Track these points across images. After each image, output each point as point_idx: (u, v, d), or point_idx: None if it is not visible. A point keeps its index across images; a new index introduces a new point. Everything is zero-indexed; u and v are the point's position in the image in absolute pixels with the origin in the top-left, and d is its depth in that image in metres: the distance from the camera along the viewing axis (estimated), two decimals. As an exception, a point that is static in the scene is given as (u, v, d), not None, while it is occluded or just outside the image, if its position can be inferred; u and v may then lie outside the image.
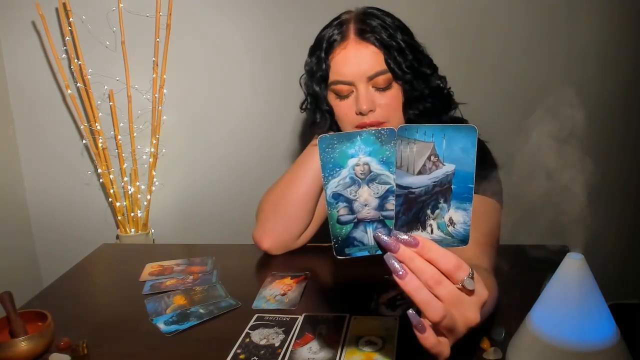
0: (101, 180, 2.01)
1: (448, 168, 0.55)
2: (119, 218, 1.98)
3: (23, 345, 0.79)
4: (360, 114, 1.01)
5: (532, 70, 1.92)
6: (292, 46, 1.95)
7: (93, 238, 1.73)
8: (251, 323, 0.88)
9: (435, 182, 0.56)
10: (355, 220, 0.57)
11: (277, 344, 0.82)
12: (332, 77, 1.03)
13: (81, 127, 1.95)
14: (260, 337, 0.84)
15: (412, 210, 0.57)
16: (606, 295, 0.66)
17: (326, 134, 0.55)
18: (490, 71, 1.88)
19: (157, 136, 1.93)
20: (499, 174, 1.04)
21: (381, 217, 0.57)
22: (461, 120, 1.10)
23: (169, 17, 1.84)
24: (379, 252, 0.57)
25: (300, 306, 0.94)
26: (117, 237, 2.02)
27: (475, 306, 0.57)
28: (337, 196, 0.56)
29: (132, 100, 1.90)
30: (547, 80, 1.92)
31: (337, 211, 0.57)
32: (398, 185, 0.56)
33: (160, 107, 1.91)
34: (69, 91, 1.89)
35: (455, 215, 0.57)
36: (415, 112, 1.04)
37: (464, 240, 0.58)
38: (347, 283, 1.08)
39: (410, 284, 0.54)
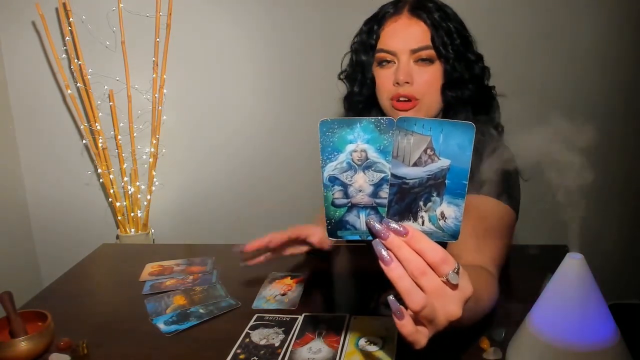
0: (101, 180, 2.01)
1: (443, 163, 0.56)
2: (119, 218, 1.98)
3: (23, 345, 0.79)
4: (397, 84, 1.04)
5: (532, 70, 1.92)
6: (293, 46, 1.95)
7: (93, 238, 1.73)
8: (251, 323, 0.88)
9: (429, 175, 0.57)
10: (349, 204, 0.59)
11: (277, 344, 0.82)
12: (379, 45, 1.07)
13: (81, 127, 1.95)
14: (260, 337, 0.84)
15: (405, 200, 0.58)
16: (606, 295, 0.66)
17: (327, 118, 0.56)
18: (492, 71, 1.88)
19: (157, 136, 1.93)
20: (520, 182, 1.04)
21: (374, 204, 0.58)
22: (496, 126, 1.10)
23: (169, 17, 1.84)
24: (370, 237, 0.58)
25: (300, 306, 0.94)
26: (117, 237, 2.02)
27: (458, 300, 0.57)
28: (333, 179, 0.58)
29: (132, 100, 1.90)
30: (547, 80, 1.92)
31: (332, 194, 0.58)
32: (393, 175, 0.57)
33: (160, 107, 1.91)
34: (69, 91, 1.89)
35: (447, 210, 0.57)
36: (454, 94, 1.05)
37: (454, 235, 0.58)
38: (347, 283, 1.08)
39: (394, 271, 0.55)
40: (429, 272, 0.55)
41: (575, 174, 0.64)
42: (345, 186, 0.58)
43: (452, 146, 0.55)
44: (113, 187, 1.95)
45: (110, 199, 1.99)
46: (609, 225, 1.92)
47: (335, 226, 0.60)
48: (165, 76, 1.89)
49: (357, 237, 0.60)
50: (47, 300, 1.02)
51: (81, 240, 1.95)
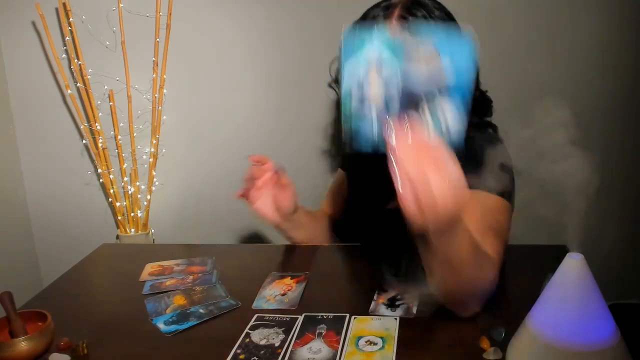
0: (101, 180, 2.01)
1: (448, 70, 0.63)
2: (119, 218, 1.98)
3: (23, 345, 0.79)
4: None
5: (532, 70, 1.91)
6: (293, 46, 1.95)
7: (93, 238, 1.72)
8: (251, 323, 0.88)
9: (434, 80, 0.64)
10: (365, 109, 0.66)
11: (277, 344, 0.82)
12: None
13: (81, 127, 1.95)
14: (260, 337, 0.84)
15: (412, 100, 0.66)
16: (606, 295, 0.66)
17: (350, 28, 0.63)
18: (490, 71, 1.88)
19: (157, 136, 1.93)
20: (514, 175, 1.05)
21: (386, 103, 0.66)
22: (489, 125, 1.12)
23: (169, 17, 1.84)
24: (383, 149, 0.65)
25: (300, 306, 0.94)
26: (117, 237, 2.02)
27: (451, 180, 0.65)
28: (350, 87, 0.66)
29: (132, 100, 1.90)
30: (547, 80, 1.92)
31: (351, 101, 0.66)
32: (403, 79, 0.64)
33: (160, 107, 1.91)
34: (69, 91, 1.89)
35: (447, 110, 0.65)
36: None
37: (454, 143, 0.67)
38: (347, 283, 1.08)
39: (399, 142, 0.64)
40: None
41: (575, 174, 0.64)
42: (361, 91, 0.65)
43: (457, 58, 0.63)
44: (113, 187, 1.95)
45: (110, 199, 1.99)
46: (609, 225, 1.92)
47: (352, 138, 0.66)
48: (165, 76, 1.89)
49: (369, 150, 0.67)
50: (47, 300, 1.02)
51: (81, 240, 1.95)
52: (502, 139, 1.11)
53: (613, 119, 1.93)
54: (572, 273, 0.66)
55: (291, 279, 1.05)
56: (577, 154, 0.64)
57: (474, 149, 0.97)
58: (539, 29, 1.88)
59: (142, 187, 1.99)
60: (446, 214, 0.66)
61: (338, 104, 1.20)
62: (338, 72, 1.16)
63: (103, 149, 1.91)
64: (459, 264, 0.76)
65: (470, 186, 0.87)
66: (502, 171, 1.00)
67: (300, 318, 0.89)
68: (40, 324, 0.86)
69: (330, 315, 0.89)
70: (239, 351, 0.81)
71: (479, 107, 1.11)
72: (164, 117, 1.95)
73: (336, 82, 1.18)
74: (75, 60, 1.86)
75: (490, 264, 0.84)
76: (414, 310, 0.89)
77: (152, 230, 2.04)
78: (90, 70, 1.88)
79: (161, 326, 0.90)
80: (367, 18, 1.07)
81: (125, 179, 1.96)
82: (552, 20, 1.87)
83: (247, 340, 0.84)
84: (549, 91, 1.92)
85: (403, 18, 1.03)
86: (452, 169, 0.64)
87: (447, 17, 1.07)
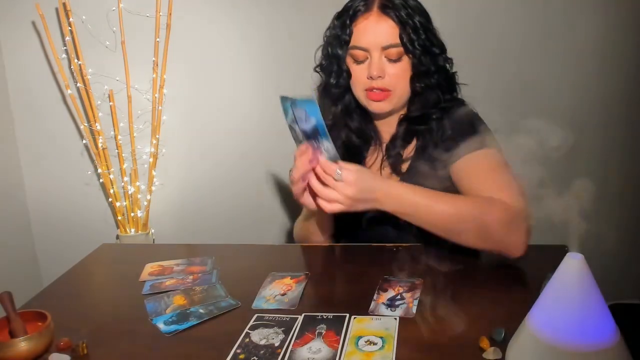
0: (101, 180, 2.01)
1: (312, 122, 0.96)
2: (119, 218, 1.98)
3: (23, 345, 0.79)
4: (370, 78, 1.14)
5: (530, 70, 1.92)
6: (292, 46, 1.95)
7: (93, 238, 1.73)
8: (251, 323, 0.89)
9: (312, 129, 0.97)
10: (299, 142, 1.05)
11: (276, 344, 0.82)
12: (352, 42, 1.16)
13: (81, 127, 1.95)
14: (260, 337, 0.84)
15: (313, 141, 1.00)
16: (606, 295, 0.66)
17: (286, 97, 0.99)
18: (489, 71, 1.88)
19: (157, 136, 1.93)
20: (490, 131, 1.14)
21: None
22: (459, 101, 1.22)
23: (169, 17, 1.84)
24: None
25: (300, 306, 0.94)
26: (117, 237, 2.02)
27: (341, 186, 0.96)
28: (291, 130, 1.04)
29: (132, 100, 1.90)
30: (545, 80, 1.92)
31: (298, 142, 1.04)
32: (302, 131, 1.00)
33: (160, 107, 1.91)
34: (69, 91, 1.89)
35: (326, 145, 0.97)
36: (421, 85, 1.17)
37: (334, 156, 0.98)
38: (347, 283, 1.08)
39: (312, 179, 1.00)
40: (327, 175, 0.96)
41: (574, 175, 0.64)
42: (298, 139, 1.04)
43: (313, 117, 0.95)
44: (113, 187, 1.95)
45: (110, 199, 1.99)
46: (609, 225, 1.92)
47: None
48: (165, 76, 1.89)
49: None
50: (47, 300, 1.02)
51: (81, 240, 1.95)
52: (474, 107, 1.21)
53: (613, 119, 1.93)
54: (572, 273, 0.66)
55: (291, 279, 1.05)
56: (576, 154, 0.64)
57: (454, 119, 1.15)
58: (535, 30, 1.88)
59: (142, 187, 1.99)
60: (352, 194, 0.95)
61: (323, 90, 1.27)
62: (324, 58, 1.24)
63: (103, 149, 1.91)
64: (434, 210, 0.98)
65: (463, 148, 1.08)
66: (477, 128, 1.12)
67: (300, 318, 0.89)
68: (40, 324, 0.86)
69: (330, 315, 0.89)
70: (238, 351, 0.81)
71: (449, 85, 1.21)
72: (164, 117, 1.95)
73: (322, 67, 1.25)
74: (75, 60, 1.86)
75: (484, 203, 0.98)
76: (414, 310, 0.89)
77: (152, 230, 2.05)
78: (90, 70, 1.88)
79: (161, 326, 0.90)
80: (350, 9, 1.16)
81: (125, 179, 1.96)
82: (547, 21, 1.87)
83: (247, 340, 0.84)
84: (545, 92, 1.92)
85: (385, 6, 1.12)
86: (342, 172, 0.95)
87: (420, 7, 1.16)
